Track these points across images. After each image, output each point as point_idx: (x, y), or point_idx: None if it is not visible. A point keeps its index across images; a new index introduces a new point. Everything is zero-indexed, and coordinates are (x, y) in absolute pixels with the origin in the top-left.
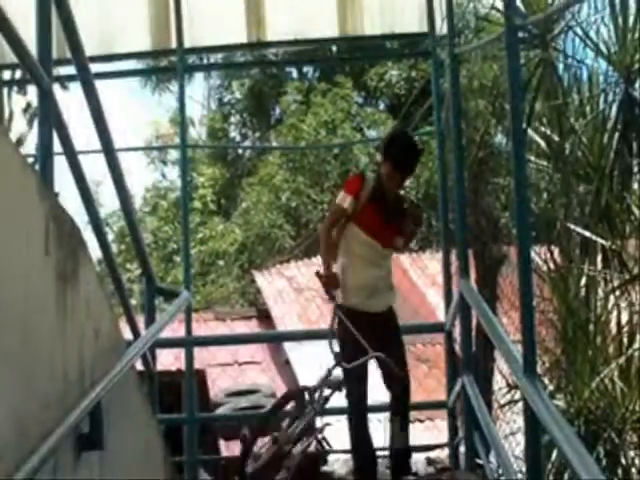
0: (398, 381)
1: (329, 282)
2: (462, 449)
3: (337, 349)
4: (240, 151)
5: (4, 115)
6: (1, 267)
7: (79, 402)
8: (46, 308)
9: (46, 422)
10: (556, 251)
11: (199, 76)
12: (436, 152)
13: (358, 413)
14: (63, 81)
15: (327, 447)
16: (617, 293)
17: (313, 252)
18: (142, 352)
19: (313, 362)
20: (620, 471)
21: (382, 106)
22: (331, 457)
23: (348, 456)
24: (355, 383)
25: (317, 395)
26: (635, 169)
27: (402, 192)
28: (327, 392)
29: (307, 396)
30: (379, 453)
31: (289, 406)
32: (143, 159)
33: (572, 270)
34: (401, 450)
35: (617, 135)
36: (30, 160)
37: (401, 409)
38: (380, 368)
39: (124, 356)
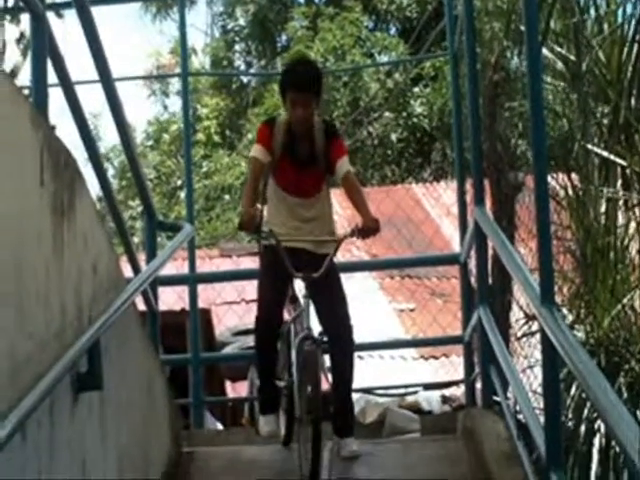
0: None
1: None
2: (478, 386)
3: None
4: (245, 80)
5: None
6: None
7: (77, 340)
8: (41, 242)
9: (42, 361)
10: (574, 177)
11: (202, 4)
12: (449, 78)
13: None
14: (57, 8)
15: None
16: (638, 215)
17: None
18: (142, 288)
19: None
20: None
21: (393, 30)
22: None
23: None
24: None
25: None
26: None
27: (321, 121)
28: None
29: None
30: None
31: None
32: (144, 91)
33: (590, 193)
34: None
35: (636, 49)
36: (26, 92)
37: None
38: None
39: (123, 292)
